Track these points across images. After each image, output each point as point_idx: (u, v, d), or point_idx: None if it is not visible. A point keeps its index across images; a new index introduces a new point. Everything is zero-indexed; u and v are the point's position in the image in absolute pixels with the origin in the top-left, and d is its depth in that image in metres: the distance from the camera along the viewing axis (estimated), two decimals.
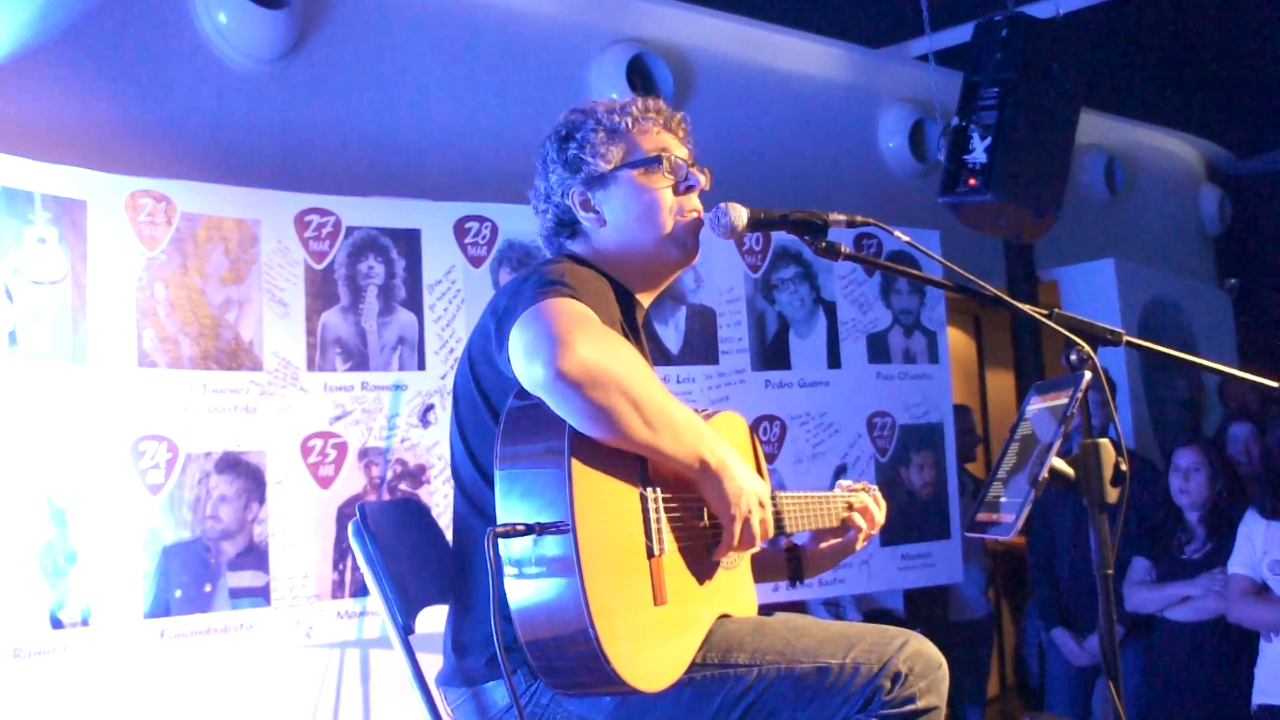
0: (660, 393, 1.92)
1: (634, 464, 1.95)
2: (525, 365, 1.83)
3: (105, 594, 3.31)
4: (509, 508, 1.86)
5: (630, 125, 2.26)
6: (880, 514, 2.52)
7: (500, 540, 1.84)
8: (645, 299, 2.33)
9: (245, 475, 3.57)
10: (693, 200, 2.28)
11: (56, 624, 3.21)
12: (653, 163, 2.24)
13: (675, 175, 2.26)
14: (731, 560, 2.17)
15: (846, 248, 2.15)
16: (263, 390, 3.61)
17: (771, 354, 4.45)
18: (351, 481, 3.72)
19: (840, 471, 4.51)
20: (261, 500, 3.58)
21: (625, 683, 1.83)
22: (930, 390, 4.79)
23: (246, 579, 3.54)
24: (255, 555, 3.56)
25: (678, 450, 1.94)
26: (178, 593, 3.43)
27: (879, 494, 2.56)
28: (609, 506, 1.89)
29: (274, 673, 3.70)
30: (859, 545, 2.50)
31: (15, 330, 3.21)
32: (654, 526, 1.95)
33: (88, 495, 3.31)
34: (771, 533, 2.12)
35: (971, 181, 4.37)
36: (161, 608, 3.40)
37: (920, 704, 2.07)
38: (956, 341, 6.65)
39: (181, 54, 3.87)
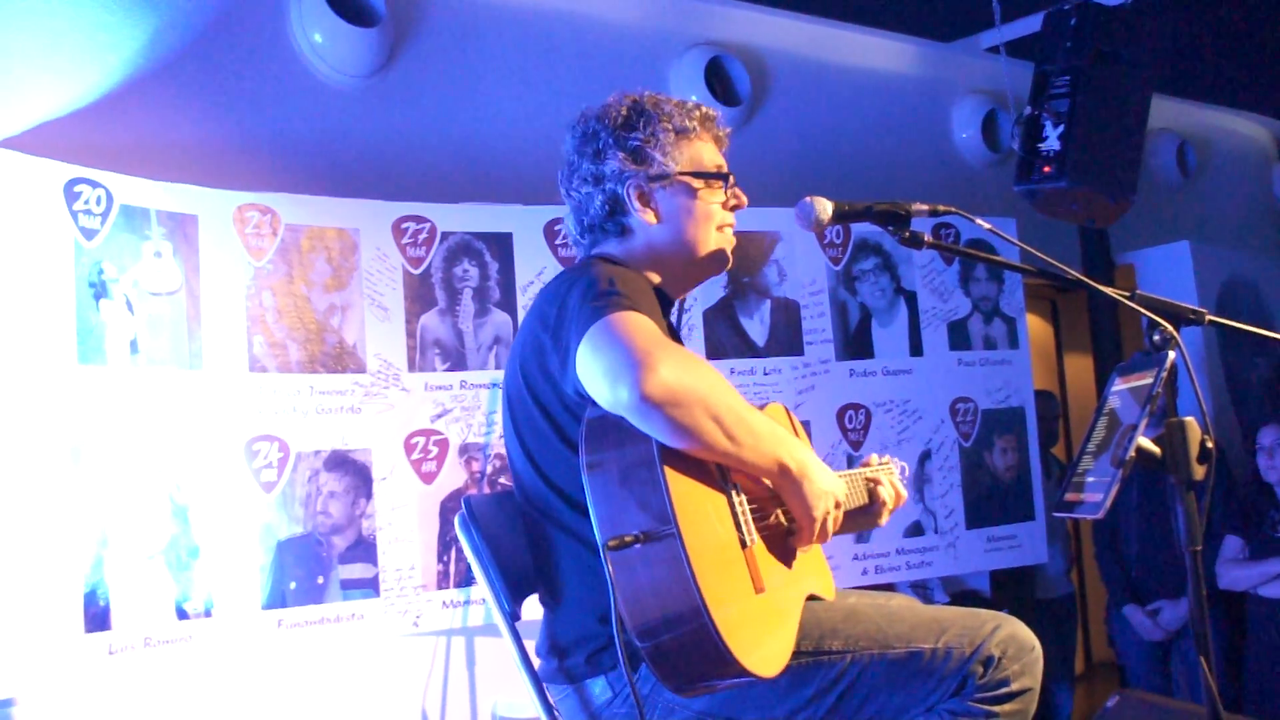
0: (739, 404, 1.95)
1: (714, 468, 2.00)
2: (608, 388, 1.86)
3: (226, 586, 3.44)
4: (606, 512, 1.90)
5: (696, 131, 2.29)
6: (901, 491, 2.52)
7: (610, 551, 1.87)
8: (673, 296, 2.36)
9: (353, 472, 3.69)
10: (731, 217, 2.32)
11: (182, 614, 3.34)
12: (718, 178, 2.28)
13: (732, 192, 2.31)
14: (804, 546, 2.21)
15: (930, 237, 2.22)
16: (366, 391, 3.74)
17: (855, 344, 4.53)
18: (453, 476, 3.83)
19: (925, 457, 4.59)
20: (368, 496, 3.71)
21: (748, 671, 1.86)
22: (1011, 375, 4.84)
23: (356, 571, 3.66)
24: (364, 548, 3.68)
25: (759, 459, 1.99)
26: (292, 585, 3.55)
27: (899, 475, 2.57)
28: (702, 506, 1.93)
29: (384, 660, 3.81)
30: (882, 520, 2.50)
31: (136, 339, 3.34)
32: (742, 520, 2.01)
33: (207, 493, 3.44)
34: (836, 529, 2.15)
35: (1046, 169, 4.40)
36: (278, 599, 3.53)
37: (1015, 686, 2.09)
38: (1034, 327, 6.66)
39: (281, 73, 3.99)
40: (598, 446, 1.94)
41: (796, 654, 2.05)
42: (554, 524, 2.15)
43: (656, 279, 2.29)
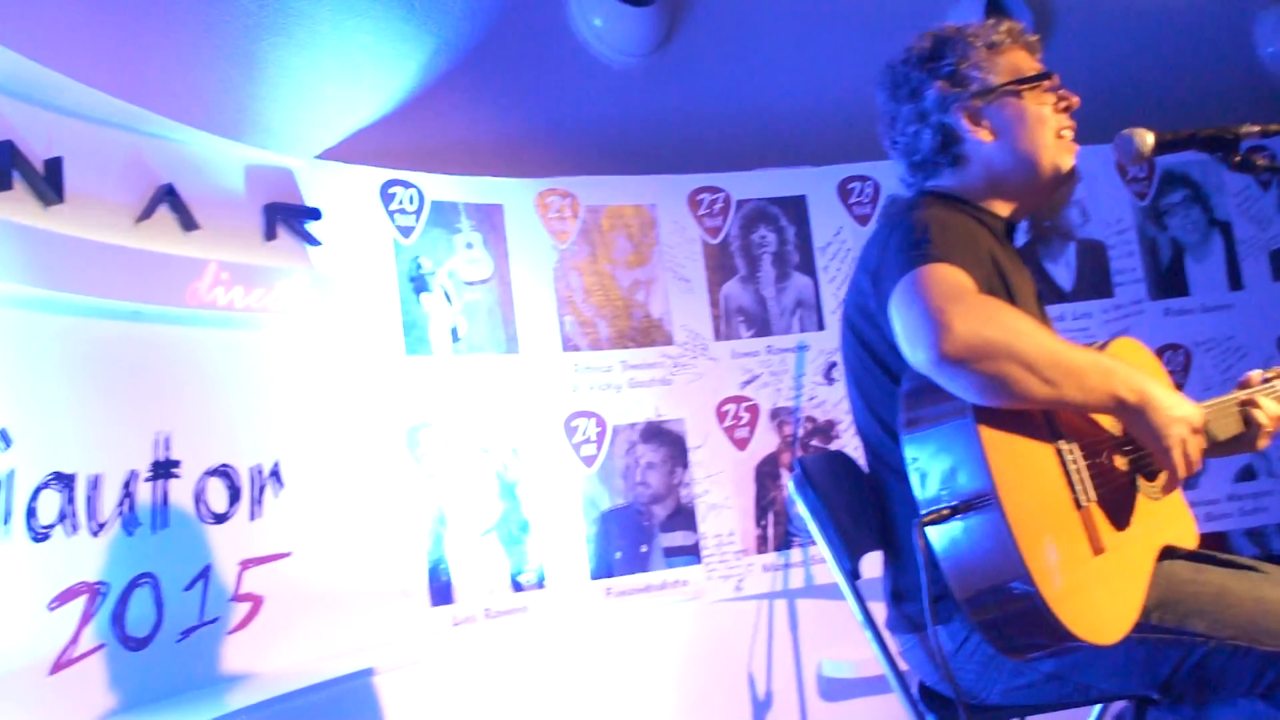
0: (1052, 344, 1.85)
1: (1040, 419, 1.89)
2: (909, 350, 1.82)
3: (556, 558, 3.59)
4: (922, 475, 1.86)
5: (1007, 43, 2.22)
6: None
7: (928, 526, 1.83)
8: (1017, 219, 2.29)
9: (668, 443, 3.78)
10: (1067, 119, 2.23)
11: (517, 586, 3.51)
12: (1041, 79, 2.20)
13: (1059, 93, 2.22)
14: (1156, 490, 2.09)
15: (1264, 159, 2.11)
16: (675, 362, 3.83)
17: (1168, 281, 4.31)
18: (766, 441, 3.87)
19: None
20: (685, 465, 3.79)
21: (1083, 640, 1.79)
22: None
23: (678, 539, 3.76)
24: (684, 516, 3.77)
25: (1088, 397, 1.87)
26: (618, 554, 3.68)
27: None
28: (1026, 466, 1.84)
29: (709, 624, 3.87)
30: (1260, 444, 2.25)
31: (456, 328, 3.52)
32: (1075, 477, 1.90)
33: (532, 470, 3.60)
34: (1201, 461, 1.99)
35: None
36: (605, 568, 3.66)
37: None
38: None
39: (566, 60, 4.07)
40: (914, 416, 1.91)
41: (1156, 627, 1.95)
42: (888, 468, 2.14)
43: (999, 207, 2.24)
